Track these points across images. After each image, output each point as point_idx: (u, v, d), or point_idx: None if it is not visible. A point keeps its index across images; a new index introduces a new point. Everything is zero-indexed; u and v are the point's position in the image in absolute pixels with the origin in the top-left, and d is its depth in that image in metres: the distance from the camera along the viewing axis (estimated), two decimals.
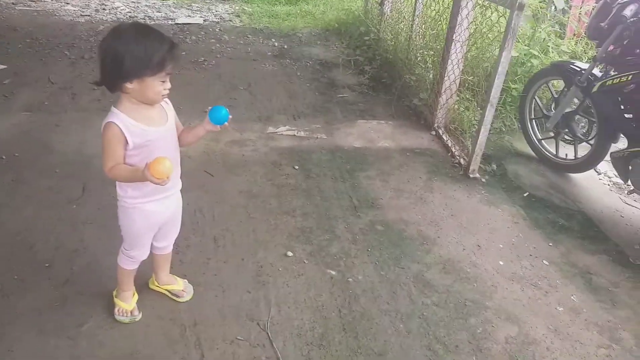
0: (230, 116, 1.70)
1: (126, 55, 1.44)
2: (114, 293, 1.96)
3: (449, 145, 3.56)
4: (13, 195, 2.64)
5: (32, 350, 1.78)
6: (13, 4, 6.35)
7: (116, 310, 1.92)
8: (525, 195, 3.08)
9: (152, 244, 1.90)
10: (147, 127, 1.57)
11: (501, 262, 2.46)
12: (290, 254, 2.38)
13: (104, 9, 6.58)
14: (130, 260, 1.87)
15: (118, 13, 6.43)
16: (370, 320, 2.05)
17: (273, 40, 5.95)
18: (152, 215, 1.75)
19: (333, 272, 2.29)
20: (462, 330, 2.04)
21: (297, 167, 3.17)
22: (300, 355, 1.86)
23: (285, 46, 5.77)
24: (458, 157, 3.40)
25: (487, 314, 2.13)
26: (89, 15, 6.18)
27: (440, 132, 3.76)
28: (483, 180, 3.20)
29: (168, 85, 1.56)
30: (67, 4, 6.66)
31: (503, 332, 2.05)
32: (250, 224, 2.57)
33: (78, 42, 5.15)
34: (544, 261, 2.50)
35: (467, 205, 2.91)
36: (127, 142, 1.55)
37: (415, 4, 4.60)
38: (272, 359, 1.83)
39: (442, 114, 3.80)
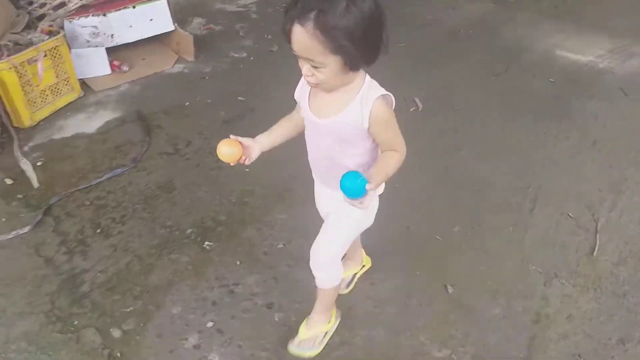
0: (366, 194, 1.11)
1: None
2: None
3: None
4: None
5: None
6: None
7: None
8: None
9: None
10: (305, 105, 1.33)
11: None
12: None
13: None
14: None
15: None
16: None
17: None
18: (316, 193, 1.59)
19: None
20: None
21: None
22: (618, 257, 1.95)
23: None
24: None
25: None
26: None
27: None
28: None
29: (303, 68, 1.18)
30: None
31: None
32: None
33: None
34: None
35: None
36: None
37: None
38: (590, 242, 1.99)
39: None
